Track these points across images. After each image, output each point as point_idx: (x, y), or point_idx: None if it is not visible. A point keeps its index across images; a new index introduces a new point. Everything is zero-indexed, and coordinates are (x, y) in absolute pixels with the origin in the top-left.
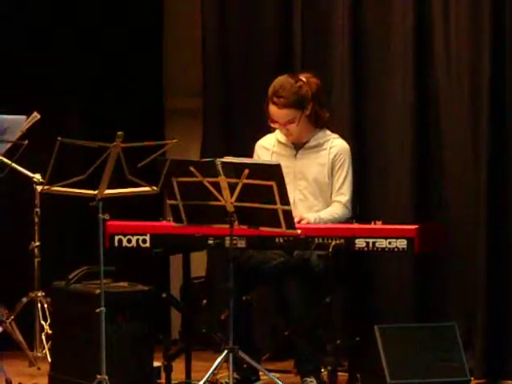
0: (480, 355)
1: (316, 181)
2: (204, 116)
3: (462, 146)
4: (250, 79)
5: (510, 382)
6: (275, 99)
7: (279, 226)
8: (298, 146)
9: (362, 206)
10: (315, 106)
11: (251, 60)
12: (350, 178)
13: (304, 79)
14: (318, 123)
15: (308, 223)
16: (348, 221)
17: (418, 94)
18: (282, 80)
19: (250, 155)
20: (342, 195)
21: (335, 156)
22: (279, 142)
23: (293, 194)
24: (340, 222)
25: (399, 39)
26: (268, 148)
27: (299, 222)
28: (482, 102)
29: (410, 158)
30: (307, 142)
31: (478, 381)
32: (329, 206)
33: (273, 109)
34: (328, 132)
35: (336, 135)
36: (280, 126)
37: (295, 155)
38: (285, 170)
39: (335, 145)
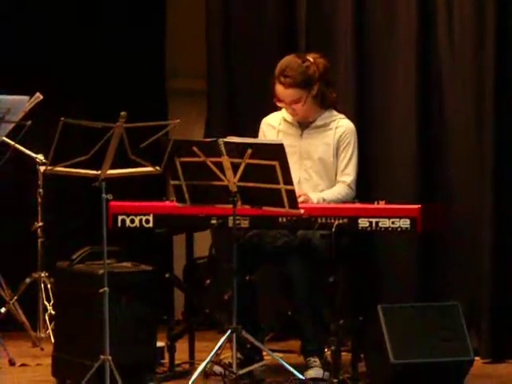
0: (485, 335)
1: (321, 160)
2: (208, 97)
3: (465, 127)
4: (254, 60)
5: None
6: (282, 78)
7: (282, 206)
8: (303, 125)
9: (366, 186)
10: (322, 86)
11: (255, 41)
12: (355, 158)
13: (311, 59)
14: (325, 103)
15: (312, 204)
16: (351, 200)
17: (422, 80)
18: (289, 60)
19: (255, 135)
20: (347, 175)
21: (341, 136)
22: (285, 120)
23: (298, 173)
24: (344, 203)
25: (403, 26)
26: (274, 126)
27: (304, 202)
28: (485, 87)
29: (414, 140)
30: (313, 121)
31: (484, 360)
32: (333, 186)
33: (279, 88)
34: (335, 112)
35: (342, 115)
36: (286, 106)
37: (301, 134)
38: (290, 149)
39: (341, 125)
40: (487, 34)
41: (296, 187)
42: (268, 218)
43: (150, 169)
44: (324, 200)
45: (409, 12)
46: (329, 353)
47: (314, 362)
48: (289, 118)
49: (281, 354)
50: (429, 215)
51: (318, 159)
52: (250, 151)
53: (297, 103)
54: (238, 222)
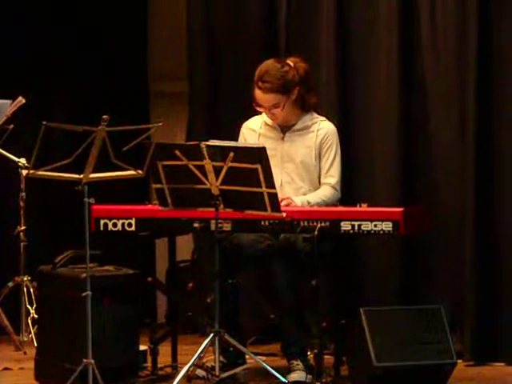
0: (468, 337)
1: (303, 163)
2: (190, 99)
3: (448, 128)
4: (236, 62)
5: (497, 364)
6: (260, 84)
7: (264, 209)
8: (284, 128)
9: (348, 188)
10: (302, 90)
11: (237, 43)
12: (338, 159)
13: (291, 63)
14: (305, 107)
15: (295, 207)
16: (334, 203)
17: (404, 81)
18: (268, 64)
19: (236, 138)
20: (331, 177)
21: (323, 138)
22: (266, 124)
23: (280, 177)
24: (329, 205)
25: (385, 25)
26: (255, 130)
27: (287, 205)
28: (468, 83)
29: (396, 141)
30: (294, 124)
31: (466, 363)
32: (315, 189)
33: (258, 93)
34: (315, 115)
35: (323, 118)
36: (265, 110)
37: (282, 138)
38: (272, 153)
39: (322, 127)
40: (470, 30)
41: (278, 190)
42: (250, 221)
43: (132, 172)
44: (309, 203)
45: (390, 7)
46: (311, 356)
47: (297, 365)
48: (270, 121)
49: (264, 358)
50: (411, 218)
51: (300, 162)
52: (232, 155)
53: (276, 108)
54: (220, 225)
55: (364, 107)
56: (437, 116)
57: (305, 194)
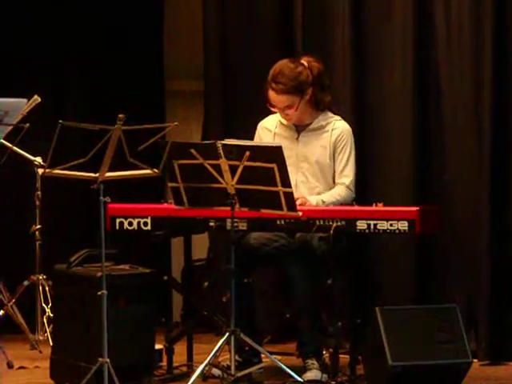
0: (483, 337)
1: (318, 163)
2: (205, 98)
3: (464, 127)
4: (251, 61)
5: None
6: (273, 85)
7: (280, 208)
8: (300, 127)
9: (363, 188)
10: (316, 90)
11: (252, 42)
12: (352, 159)
13: (305, 63)
14: (319, 106)
15: (310, 206)
16: (349, 203)
17: (419, 80)
18: (281, 65)
19: (252, 137)
20: (346, 177)
21: (337, 138)
22: (281, 123)
23: (295, 176)
24: (343, 204)
25: (399, 22)
26: (270, 129)
27: (302, 205)
28: (483, 78)
29: (411, 140)
30: (309, 123)
31: (481, 362)
32: (330, 188)
33: (271, 94)
34: (330, 114)
35: (338, 117)
36: (279, 110)
37: (297, 137)
38: (287, 153)
39: (337, 126)
40: (485, 19)
41: (293, 190)
42: (266, 220)
43: (148, 171)
44: (323, 202)
45: (405, 8)
46: (327, 355)
47: (313, 364)
48: (284, 121)
49: (279, 357)
50: (427, 217)
51: (315, 162)
52: (248, 154)
53: (290, 109)
54: (236, 224)
55: (379, 106)
56: (452, 115)
57: (319, 194)
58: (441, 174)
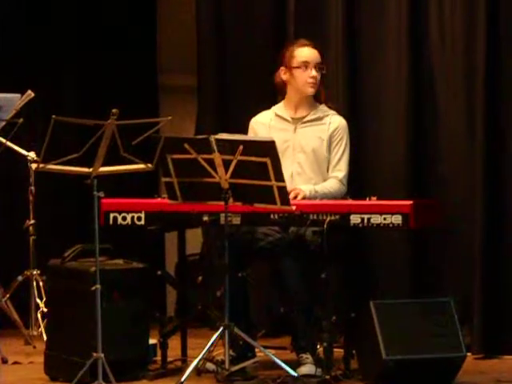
0: (477, 331)
1: (315, 153)
2: (199, 93)
3: (457, 119)
4: (245, 56)
5: (507, 356)
6: (305, 41)
7: (274, 203)
8: (295, 120)
9: (357, 182)
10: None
11: (246, 37)
12: (347, 154)
13: None
14: (319, 98)
15: (304, 197)
16: (343, 197)
17: (413, 74)
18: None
19: (245, 132)
20: (339, 171)
21: (333, 132)
22: (277, 115)
23: (290, 168)
24: (335, 198)
25: (393, 15)
26: (264, 123)
27: (295, 198)
28: (476, 74)
29: (405, 134)
30: (305, 115)
31: (476, 356)
32: (325, 181)
33: (305, 50)
34: (326, 108)
35: (334, 112)
36: (309, 73)
37: (294, 129)
38: (284, 144)
39: (334, 121)
40: (479, 18)
41: (289, 181)
42: (260, 214)
43: (141, 166)
44: (316, 191)
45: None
46: (321, 349)
47: (307, 358)
48: (282, 113)
49: (273, 351)
50: (421, 211)
51: (312, 151)
52: (241, 148)
53: (321, 70)
54: (229, 218)
55: (373, 99)
56: (445, 109)
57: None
58: (435, 166)
